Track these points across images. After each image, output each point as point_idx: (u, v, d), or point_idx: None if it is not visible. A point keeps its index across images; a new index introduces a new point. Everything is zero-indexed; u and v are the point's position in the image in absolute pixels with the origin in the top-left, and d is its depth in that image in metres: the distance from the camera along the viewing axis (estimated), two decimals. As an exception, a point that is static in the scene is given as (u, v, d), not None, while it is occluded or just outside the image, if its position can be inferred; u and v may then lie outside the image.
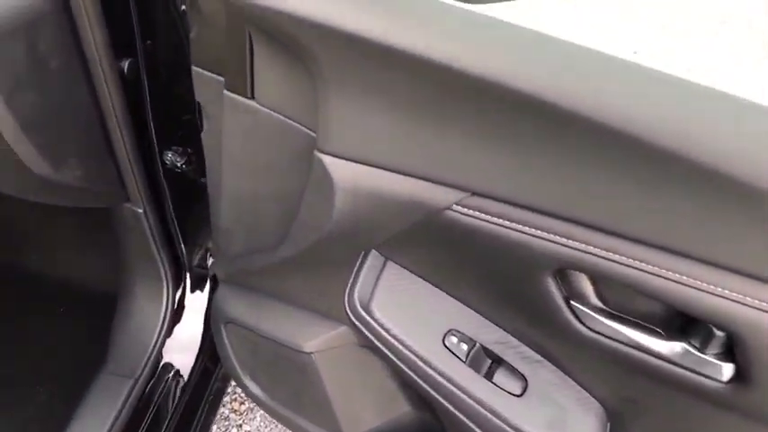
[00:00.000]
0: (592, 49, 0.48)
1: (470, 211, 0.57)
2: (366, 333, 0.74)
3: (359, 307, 0.73)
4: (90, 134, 0.82)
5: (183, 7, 0.81)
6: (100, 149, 0.85)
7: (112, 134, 0.84)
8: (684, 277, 0.49)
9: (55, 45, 0.71)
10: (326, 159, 0.58)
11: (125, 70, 0.80)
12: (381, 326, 0.72)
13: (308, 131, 0.62)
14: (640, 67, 0.47)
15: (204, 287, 1.13)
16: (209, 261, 1.15)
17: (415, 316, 0.73)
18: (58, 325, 1.26)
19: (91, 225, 1.18)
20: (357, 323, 0.74)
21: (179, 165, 0.94)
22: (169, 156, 0.93)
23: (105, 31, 0.74)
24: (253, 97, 0.64)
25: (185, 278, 1.11)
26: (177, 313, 1.11)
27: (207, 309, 1.13)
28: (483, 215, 0.56)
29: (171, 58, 0.86)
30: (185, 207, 1.01)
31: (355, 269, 0.73)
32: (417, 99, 0.53)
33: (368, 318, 0.73)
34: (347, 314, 0.75)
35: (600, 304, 0.61)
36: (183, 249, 1.05)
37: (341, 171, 0.58)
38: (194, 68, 0.68)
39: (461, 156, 0.54)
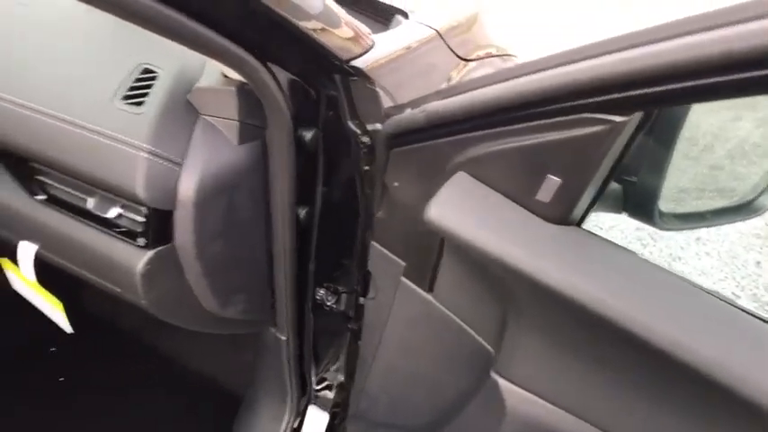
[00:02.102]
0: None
1: None
2: None
3: None
4: (258, 273, 0.85)
5: (366, 168, 0.84)
6: (263, 285, 0.88)
7: (278, 272, 0.87)
8: None
9: (248, 198, 0.75)
10: (502, 383, 0.56)
11: (301, 217, 0.84)
12: None
13: (483, 343, 0.60)
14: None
15: (322, 423, 1.13)
16: (331, 396, 1.14)
17: None
18: (180, 413, 1.30)
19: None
20: None
21: (328, 303, 0.96)
22: (321, 293, 0.96)
23: (293, 185, 0.78)
24: (431, 291, 0.63)
25: (307, 408, 1.11)
26: None
27: None
28: None
29: (342, 209, 0.89)
30: (324, 342, 1.02)
31: None
32: (599, 350, 0.50)
33: None
34: None
35: None
36: (313, 381, 1.06)
37: (515, 399, 0.56)
38: (375, 244, 0.70)
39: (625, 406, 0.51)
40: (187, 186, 0.64)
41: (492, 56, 1.19)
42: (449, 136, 0.56)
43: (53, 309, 0.79)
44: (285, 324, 0.97)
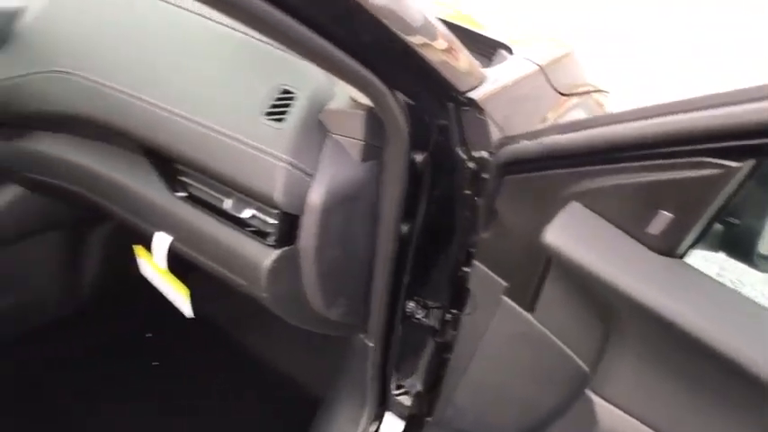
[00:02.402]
0: None
1: None
2: None
3: None
4: (360, 281, 0.92)
5: (467, 192, 0.90)
6: (363, 293, 0.94)
7: (376, 282, 0.93)
8: None
9: (362, 211, 0.82)
10: (597, 401, 0.60)
11: (403, 232, 0.90)
12: None
13: (579, 362, 0.64)
14: None
15: (398, 429, 1.17)
16: (408, 403, 1.19)
17: None
18: (257, 408, 1.38)
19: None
20: None
21: (417, 316, 1.01)
22: (411, 305, 1.01)
23: (401, 202, 0.85)
24: (531, 311, 0.68)
25: (384, 414, 1.16)
26: None
27: None
28: None
29: (438, 227, 0.95)
30: (406, 352, 1.07)
31: None
32: (698, 376, 0.53)
33: None
34: None
35: None
36: (392, 388, 1.11)
37: (610, 418, 0.59)
38: (477, 264, 0.75)
39: None
40: (316, 195, 0.71)
41: (588, 92, 1.23)
42: (564, 168, 0.61)
43: (178, 295, 0.88)
44: (375, 331, 1.03)
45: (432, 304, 1.03)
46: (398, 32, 0.59)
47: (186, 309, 0.89)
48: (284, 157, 0.70)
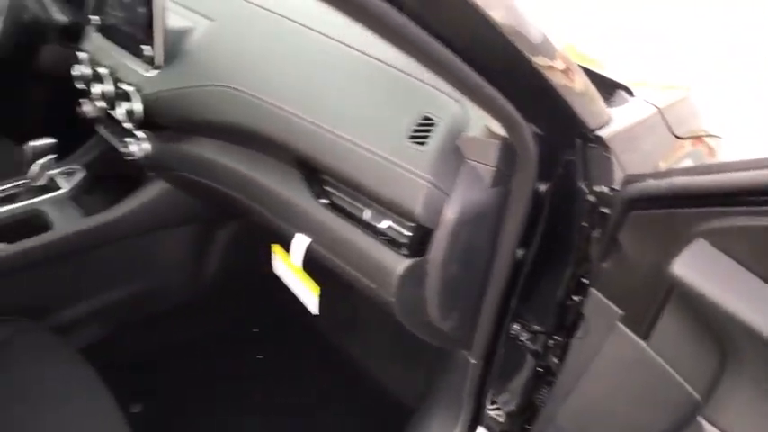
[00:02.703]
0: None
1: None
2: None
3: None
4: (474, 298, 0.98)
5: (584, 224, 0.95)
6: (473, 310, 1.00)
7: (487, 301, 0.99)
8: None
9: (486, 233, 0.88)
10: (708, 428, 0.63)
11: (517, 257, 0.96)
12: None
13: (691, 390, 0.68)
14: None
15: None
16: (501, 420, 1.23)
17: None
18: (351, 417, 1.46)
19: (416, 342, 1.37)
20: None
21: (521, 338, 1.06)
22: (516, 327, 1.06)
23: (521, 229, 0.91)
24: (646, 338, 0.72)
25: (476, 429, 1.20)
26: None
27: None
28: None
29: (552, 255, 1.00)
30: (507, 371, 1.12)
31: None
32: None
33: None
34: None
35: None
36: (487, 404, 1.16)
37: (722, 446, 0.62)
38: (594, 291, 0.80)
39: None
40: (451, 212, 0.79)
41: (701, 136, 1.25)
42: (691, 207, 0.65)
43: (309, 292, 0.97)
44: (478, 349, 1.09)
45: (536, 328, 1.08)
46: (527, 55, 0.64)
47: (313, 306, 0.98)
48: (426, 176, 0.78)
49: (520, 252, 0.96)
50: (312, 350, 1.62)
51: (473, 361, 1.11)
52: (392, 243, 0.84)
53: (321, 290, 1.02)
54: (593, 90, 0.82)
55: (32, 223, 1.32)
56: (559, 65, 0.71)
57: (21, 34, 1.39)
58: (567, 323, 0.93)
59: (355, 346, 1.60)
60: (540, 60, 0.66)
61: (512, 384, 1.11)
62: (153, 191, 1.33)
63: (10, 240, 1.25)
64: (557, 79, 0.70)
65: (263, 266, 1.61)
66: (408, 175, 0.79)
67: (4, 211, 1.31)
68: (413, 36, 0.56)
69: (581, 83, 0.77)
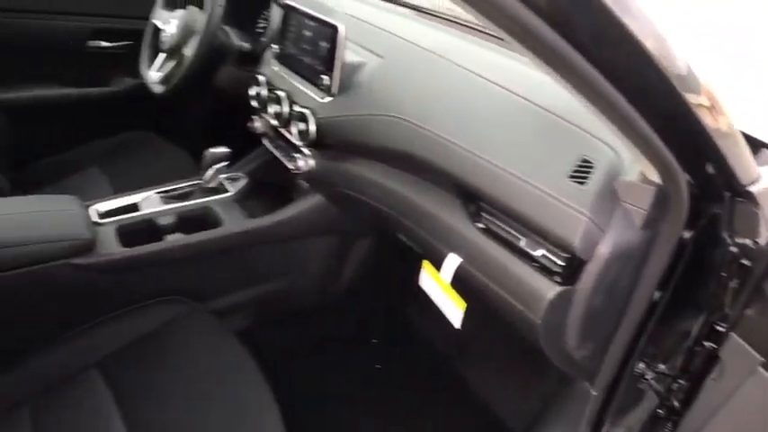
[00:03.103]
0: None
1: None
2: None
3: None
4: (606, 332, 1.04)
5: (724, 273, 0.99)
6: (604, 344, 1.06)
7: (618, 337, 1.04)
8: None
9: (630, 271, 0.95)
10: None
11: (653, 299, 1.01)
12: None
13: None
14: None
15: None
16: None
17: None
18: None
19: (532, 371, 1.43)
20: None
21: (646, 377, 1.10)
22: (641, 366, 1.11)
23: (660, 272, 0.96)
24: (788, 386, 0.76)
25: None
26: None
27: None
28: None
29: (686, 300, 1.04)
30: (626, 405, 1.16)
31: None
32: None
33: None
34: None
35: None
36: None
37: None
38: (734, 336, 0.85)
39: None
40: (604, 248, 0.86)
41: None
42: None
43: (454, 307, 1.08)
44: (601, 381, 1.14)
45: (662, 369, 1.12)
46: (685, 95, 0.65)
47: (456, 320, 1.08)
48: (585, 212, 0.86)
49: (657, 294, 1.02)
50: (424, 366, 1.71)
51: (594, 393, 1.16)
52: (544, 270, 0.93)
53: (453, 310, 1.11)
54: (739, 136, 0.86)
55: (204, 219, 1.51)
56: (705, 101, 0.71)
57: (207, 56, 1.60)
58: (693, 368, 0.97)
59: (469, 370, 1.67)
60: (690, 98, 0.67)
61: (629, 420, 1.15)
62: (309, 202, 1.49)
63: (186, 232, 1.45)
64: (707, 121, 0.71)
65: (391, 280, 1.73)
66: (569, 210, 0.87)
67: (182, 206, 1.51)
68: (581, 70, 0.60)
69: (726, 124, 0.79)
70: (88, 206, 1.44)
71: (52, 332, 1.29)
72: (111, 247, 1.35)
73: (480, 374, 1.65)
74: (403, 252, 1.55)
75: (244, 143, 1.69)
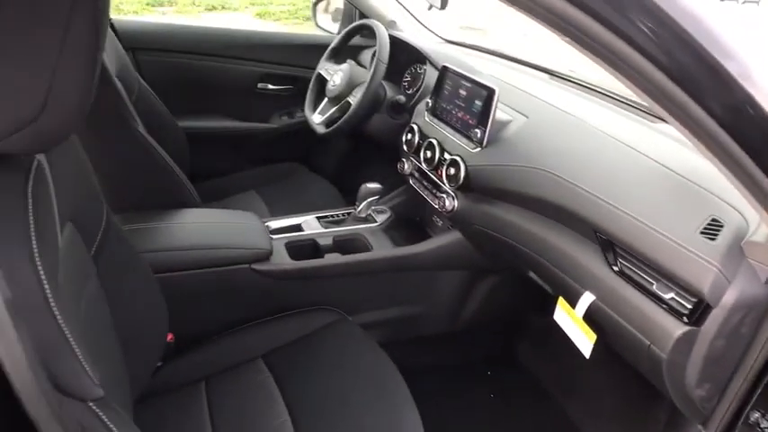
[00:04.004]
0: None
1: None
2: None
3: None
4: (725, 377, 1.13)
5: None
6: (722, 387, 1.16)
7: (734, 383, 1.13)
8: None
9: (750, 321, 1.06)
10: None
11: None
12: None
13: None
14: None
15: None
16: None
17: None
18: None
19: (640, 410, 1.53)
20: None
21: (760, 426, 1.19)
22: (756, 415, 1.19)
23: None
24: None
25: None
26: None
27: None
28: None
29: None
30: None
31: None
32: None
33: None
34: None
35: None
36: None
37: None
38: None
39: None
40: (730, 297, 0.99)
41: None
42: None
43: (586, 339, 1.22)
44: (715, 425, 1.23)
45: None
46: None
47: (587, 350, 1.23)
48: (715, 264, 1.00)
49: None
50: (532, 401, 1.84)
51: None
52: (673, 311, 1.07)
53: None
54: None
55: (355, 243, 1.75)
56: None
57: (368, 105, 1.87)
58: None
59: (576, 410, 1.78)
60: None
61: None
62: (448, 237, 1.69)
63: (341, 252, 1.69)
64: None
65: (511, 317, 1.89)
66: (701, 261, 1.01)
67: (339, 231, 1.76)
68: (715, 135, 0.71)
69: None
70: (263, 222, 1.72)
71: (228, 324, 1.54)
72: (283, 259, 1.61)
73: (587, 416, 1.75)
74: (526, 292, 1.71)
75: (383, 179, 1.92)
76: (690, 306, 1.05)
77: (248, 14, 8.86)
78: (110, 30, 2.00)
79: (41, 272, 0.69)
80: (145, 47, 2.30)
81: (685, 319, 1.05)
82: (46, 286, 0.69)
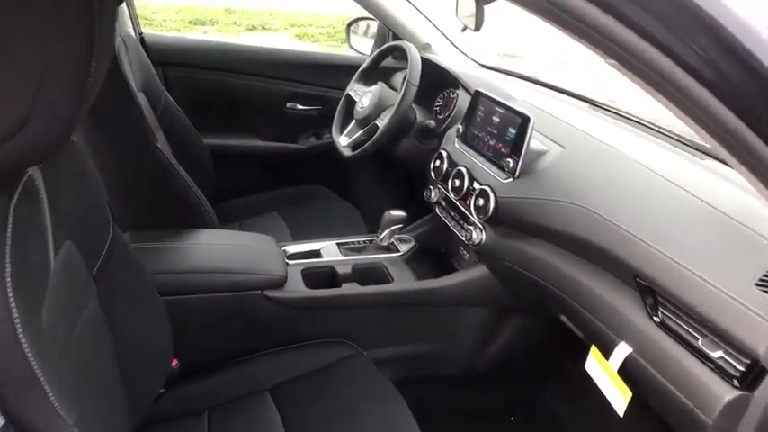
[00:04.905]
0: None
1: None
2: None
3: None
4: None
5: None
6: None
7: None
8: None
9: None
10: None
11: None
12: None
13: None
14: None
15: None
16: None
17: None
18: None
19: None
20: None
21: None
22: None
23: None
24: None
25: None
26: None
27: None
28: None
29: None
30: None
31: None
32: None
33: None
34: None
35: None
36: None
37: None
38: None
39: None
40: None
41: None
42: None
43: (619, 395, 1.11)
44: None
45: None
46: None
47: (620, 408, 1.11)
48: None
49: None
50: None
51: None
52: (722, 372, 0.95)
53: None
54: None
55: (375, 273, 1.66)
56: None
57: (396, 129, 1.79)
58: None
59: None
60: None
61: None
62: (474, 272, 1.59)
63: (360, 282, 1.60)
64: None
65: (536, 362, 1.77)
66: (755, 316, 0.90)
67: (359, 259, 1.68)
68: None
69: None
70: (281, 246, 1.64)
71: (236, 353, 1.47)
72: (298, 286, 1.53)
73: None
74: (556, 336, 1.59)
75: (407, 207, 1.84)
76: (742, 368, 0.93)
77: (287, 35, 8.98)
78: (138, 44, 1.98)
79: (12, 301, 0.62)
80: (174, 62, 2.28)
81: (736, 382, 0.93)
82: (16, 318, 0.62)
